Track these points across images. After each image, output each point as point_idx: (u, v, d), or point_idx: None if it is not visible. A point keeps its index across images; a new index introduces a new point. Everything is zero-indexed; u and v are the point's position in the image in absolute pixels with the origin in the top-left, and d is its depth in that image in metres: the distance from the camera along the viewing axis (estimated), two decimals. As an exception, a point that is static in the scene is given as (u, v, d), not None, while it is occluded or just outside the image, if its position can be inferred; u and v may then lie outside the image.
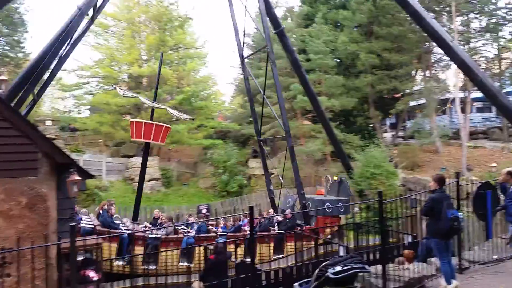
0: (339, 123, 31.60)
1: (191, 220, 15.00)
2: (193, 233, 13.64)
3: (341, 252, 9.70)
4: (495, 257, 7.97)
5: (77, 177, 9.33)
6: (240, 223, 14.69)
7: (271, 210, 17.22)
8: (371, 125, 31.11)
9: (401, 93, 29.78)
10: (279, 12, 33.08)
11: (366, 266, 6.97)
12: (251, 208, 7.15)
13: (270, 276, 8.20)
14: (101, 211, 13.64)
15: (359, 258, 7.17)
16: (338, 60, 30.50)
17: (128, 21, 29.10)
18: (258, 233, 13.00)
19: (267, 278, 8.22)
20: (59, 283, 7.74)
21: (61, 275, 7.79)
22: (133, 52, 27.73)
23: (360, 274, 6.94)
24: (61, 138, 30.30)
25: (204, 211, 17.39)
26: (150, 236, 12.46)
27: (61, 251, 7.61)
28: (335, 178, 17.70)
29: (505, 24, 26.36)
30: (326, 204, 15.37)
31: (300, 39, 29.53)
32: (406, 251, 9.20)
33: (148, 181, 25.70)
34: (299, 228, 14.76)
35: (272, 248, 13.39)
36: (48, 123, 32.06)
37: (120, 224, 13.83)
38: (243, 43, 19.52)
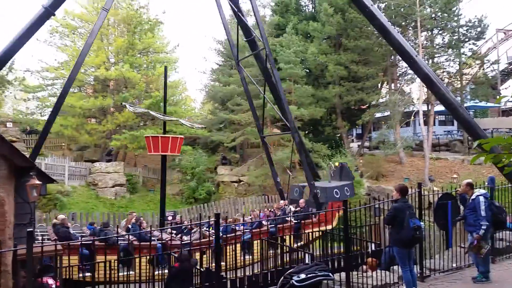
0: (308, 132, 32.03)
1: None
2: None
3: (307, 260, 9.76)
4: (454, 265, 8.22)
5: (37, 181, 9.01)
6: (261, 215, 15.15)
7: (282, 202, 17.33)
8: (338, 135, 31.68)
9: (367, 105, 30.51)
10: (250, 21, 33.32)
11: (330, 274, 7.04)
12: (217, 215, 7.09)
13: (236, 284, 8.14)
14: (130, 226, 13.48)
15: (323, 265, 7.23)
16: (308, 71, 30.98)
17: (97, 23, 28.47)
18: (278, 225, 13.60)
19: (233, 286, 8.16)
20: (14, 291, 7.40)
21: (17, 283, 7.46)
22: (101, 54, 27.11)
23: (324, 281, 7.01)
24: (22, 140, 29.16)
25: (170, 217, 17.10)
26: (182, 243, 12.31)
27: (18, 257, 7.29)
28: (336, 164, 18.52)
29: (466, 41, 27.51)
30: (334, 190, 16.38)
31: (271, 48, 29.79)
32: (369, 259, 9.35)
33: (112, 186, 25.08)
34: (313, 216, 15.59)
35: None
36: (9, 124, 30.83)
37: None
38: (237, 44, 19.57)
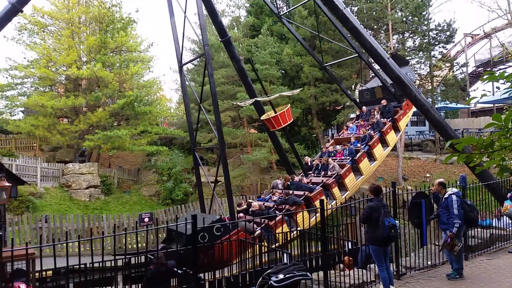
0: (284, 133, 32.17)
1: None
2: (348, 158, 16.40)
3: (285, 259, 9.79)
4: (429, 263, 8.41)
5: (6, 183, 8.73)
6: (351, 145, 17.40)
7: (364, 108, 19.32)
8: (314, 135, 31.97)
9: (341, 106, 30.92)
10: (225, 21, 33.29)
11: (308, 274, 7.08)
12: (194, 217, 7.02)
13: (214, 285, 8.08)
14: (289, 183, 16.25)
15: (301, 265, 7.27)
16: (283, 72, 31.14)
17: (67, 21, 27.78)
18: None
19: (211, 288, 8.11)
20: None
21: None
22: (72, 53, 26.44)
23: (303, 281, 7.05)
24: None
25: (146, 219, 16.86)
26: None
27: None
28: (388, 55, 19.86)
29: (436, 45, 28.24)
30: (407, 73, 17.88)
31: (247, 49, 29.82)
32: (345, 258, 9.46)
33: (86, 188, 24.52)
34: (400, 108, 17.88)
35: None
36: (-23, 124, 29.79)
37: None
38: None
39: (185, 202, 25.45)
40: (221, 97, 29.08)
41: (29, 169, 24.18)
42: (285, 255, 10.03)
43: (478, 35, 38.68)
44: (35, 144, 30.16)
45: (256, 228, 13.31)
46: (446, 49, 29.73)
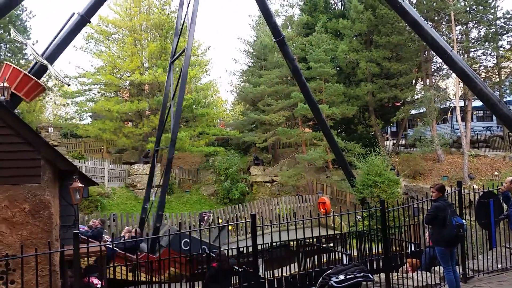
0: (340, 131, 31.71)
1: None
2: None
3: (345, 261, 9.69)
4: (499, 266, 7.96)
5: (79, 184, 9.34)
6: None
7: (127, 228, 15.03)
8: (372, 133, 31.17)
9: (401, 102, 29.88)
10: (279, 21, 33.35)
11: (370, 275, 6.97)
12: (253, 216, 7.16)
13: (274, 284, 8.19)
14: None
15: (362, 267, 7.17)
16: (338, 69, 30.69)
17: (130, 29, 29.25)
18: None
19: (270, 287, 8.21)
20: (62, 290, 7.72)
21: (65, 282, 7.78)
22: (135, 59, 27.83)
23: (364, 283, 6.95)
24: (63, 144, 30.40)
25: (206, 218, 17.40)
26: None
27: (65, 258, 7.61)
28: (220, 221, 17.44)
29: (504, 34, 26.49)
30: (184, 240, 12.71)
31: (301, 48, 29.71)
32: (411, 260, 9.18)
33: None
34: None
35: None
36: (51, 129, 32.20)
37: None
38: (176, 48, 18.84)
39: (241, 201, 25.85)
40: (275, 97, 29.22)
41: (98, 170, 25.73)
42: (344, 256, 9.93)
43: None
44: (102, 147, 32.08)
45: None
46: (516, 38, 27.76)
